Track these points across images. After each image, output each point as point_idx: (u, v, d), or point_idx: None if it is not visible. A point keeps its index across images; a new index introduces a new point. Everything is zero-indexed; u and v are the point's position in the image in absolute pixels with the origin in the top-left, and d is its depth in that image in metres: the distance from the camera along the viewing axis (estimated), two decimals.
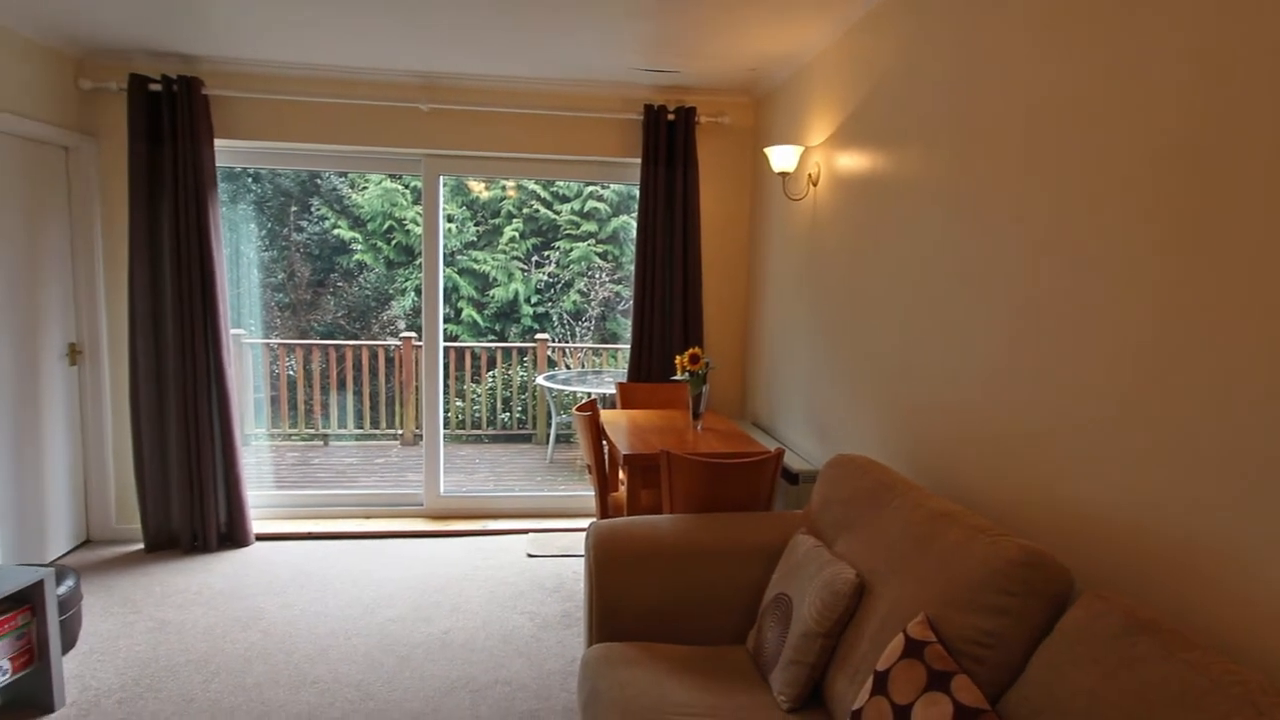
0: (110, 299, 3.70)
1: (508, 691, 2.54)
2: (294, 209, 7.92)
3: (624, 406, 3.84)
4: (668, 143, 3.88)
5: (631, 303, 4.04)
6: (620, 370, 6.67)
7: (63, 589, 2.56)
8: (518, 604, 3.19)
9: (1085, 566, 1.60)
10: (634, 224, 4.00)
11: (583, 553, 3.75)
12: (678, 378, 3.33)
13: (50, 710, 2.37)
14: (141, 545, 3.72)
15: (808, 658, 1.75)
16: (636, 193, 3.98)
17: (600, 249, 8.23)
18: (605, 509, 3.15)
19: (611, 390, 5.69)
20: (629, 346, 4.06)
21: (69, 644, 2.66)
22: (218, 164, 3.68)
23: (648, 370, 4.01)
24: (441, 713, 2.41)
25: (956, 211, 2.13)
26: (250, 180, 7.41)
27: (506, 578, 3.46)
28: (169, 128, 3.48)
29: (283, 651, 2.76)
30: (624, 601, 2.12)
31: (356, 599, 3.20)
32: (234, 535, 3.74)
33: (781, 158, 3.25)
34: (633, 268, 4.04)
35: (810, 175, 3.24)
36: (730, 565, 2.18)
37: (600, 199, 8.21)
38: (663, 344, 3.98)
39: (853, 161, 2.85)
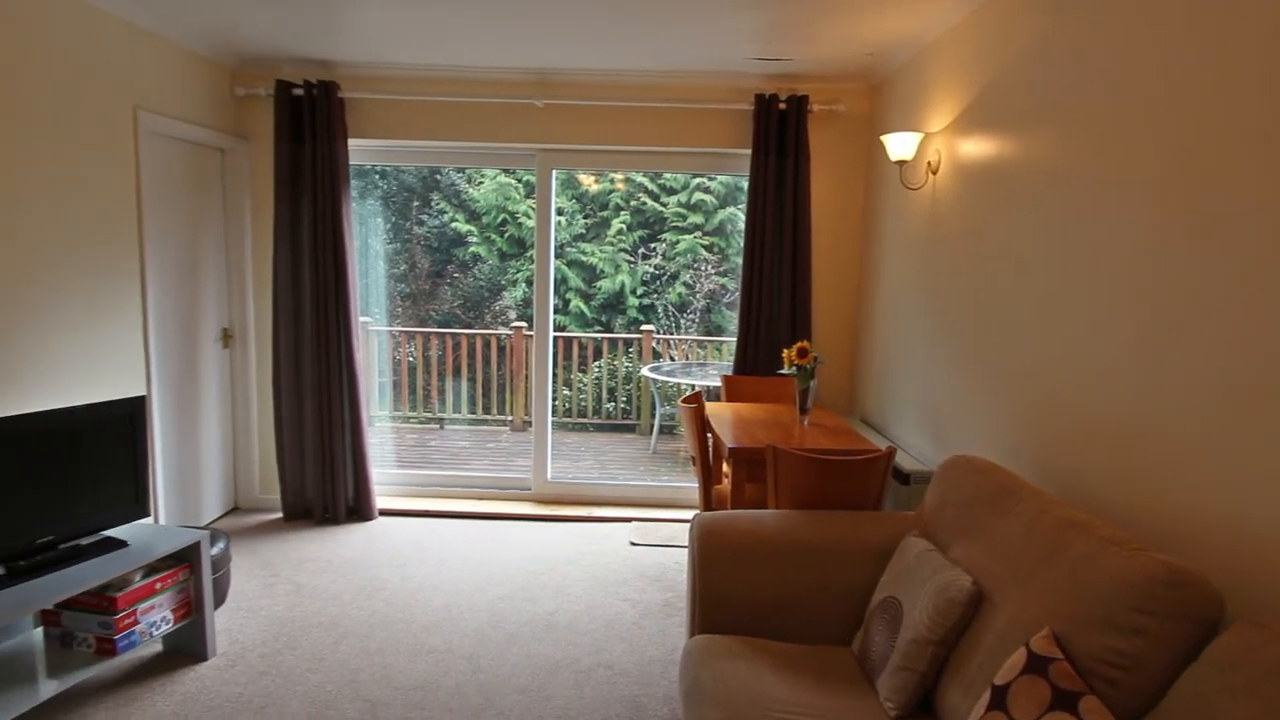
0: (257, 288, 4.04)
1: (610, 675, 2.60)
2: (416, 204, 8.35)
3: (729, 399, 3.82)
4: (778, 132, 3.82)
5: (738, 295, 4.00)
6: (724, 363, 6.64)
7: (215, 550, 2.82)
8: (620, 590, 3.25)
9: (1236, 589, 1.46)
10: (741, 216, 3.95)
11: (685, 543, 3.77)
12: (785, 371, 3.27)
13: (203, 659, 2.62)
14: (280, 514, 4.05)
15: (918, 665, 1.69)
16: (744, 184, 3.94)
17: (706, 241, 8.20)
18: (709, 501, 3.15)
19: (716, 383, 5.66)
20: (734, 339, 4.03)
21: (219, 600, 2.94)
22: (350, 162, 3.93)
23: (753, 363, 3.97)
24: (547, 691, 2.50)
25: (1092, 198, 1.98)
26: (377, 177, 7.87)
27: (609, 564, 3.52)
28: (309, 129, 3.75)
29: (402, 620, 2.94)
30: (727, 594, 2.12)
31: (468, 576, 3.36)
32: (360, 509, 4.01)
33: (899, 145, 3.12)
34: (739, 260, 4.00)
35: (929, 163, 3.09)
36: (836, 564, 2.13)
37: (707, 191, 8.17)
38: (769, 337, 3.93)
39: (977, 148, 2.70)
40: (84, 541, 2.42)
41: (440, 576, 3.34)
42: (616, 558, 3.60)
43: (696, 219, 8.21)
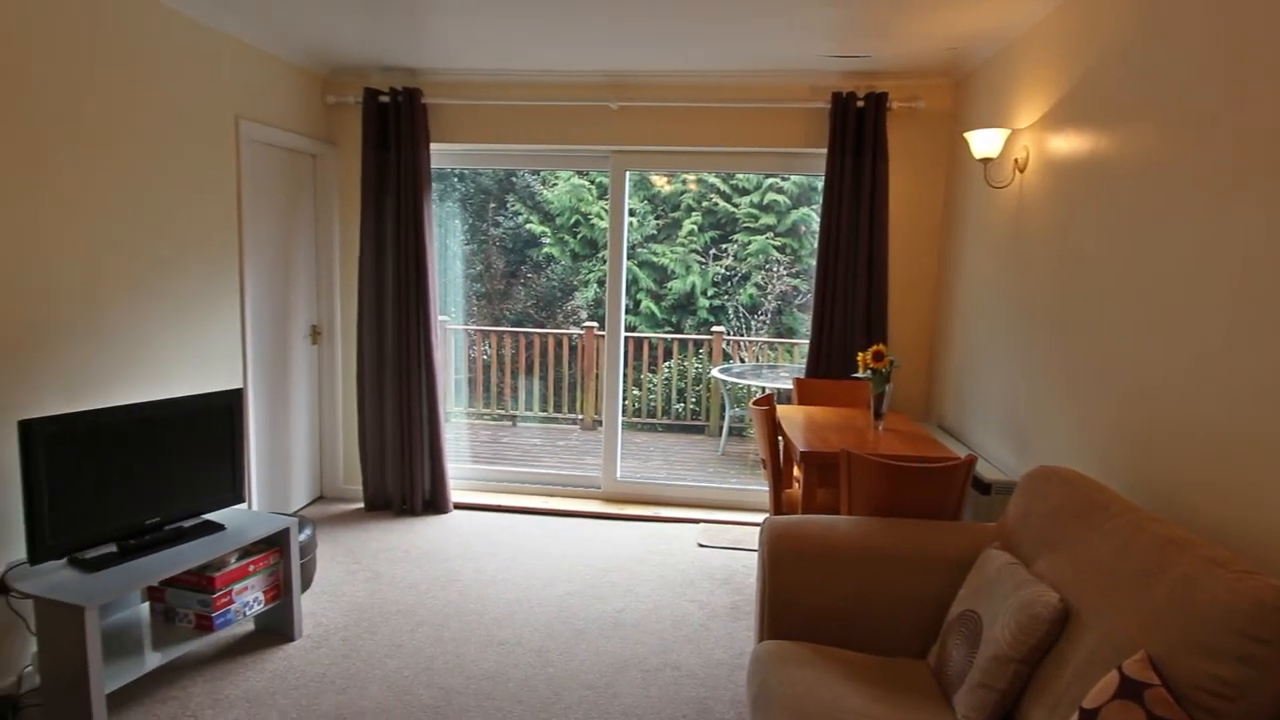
0: (343, 287, 4.22)
1: (676, 676, 2.60)
2: (492, 205, 8.56)
3: (801, 402, 3.77)
4: (856, 131, 3.74)
5: (811, 297, 3.94)
6: (795, 365, 6.55)
7: (303, 536, 2.97)
8: (687, 592, 3.25)
9: None
10: (815, 216, 3.89)
11: (754, 547, 3.74)
12: (859, 375, 3.20)
13: (291, 639, 2.76)
14: (361, 504, 4.22)
15: (998, 683, 1.63)
16: (819, 184, 3.87)
17: (778, 242, 8.09)
18: (779, 505, 3.12)
19: (787, 385, 5.59)
20: (807, 341, 3.97)
21: (306, 584, 3.08)
22: (431, 166, 4.06)
23: (826, 366, 3.90)
24: (614, 688, 2.52)
25: (1197, 195, 1.86)
26: (456, 180, 8.10)
27: (677, 565, 3.53)
28: (394, 134, 3.90)
29: (475, 612, 3.02)
30: (797, 600, 2.09)
31: (538, 571, 3.42)
32: (436, 502, 4.14)
33: (984, 142, 3.01)
34: (812, 261, 3.94)
35: (1017, 160, 2.97)
36: (912, 574, 2.08)
37: (780, 191, 8.07)
38: (843, 339, 3.85)
39: (1068, 144, 2.58)
40: (186, 524, 2.59)
41: (511, 570, 3.42)
42: (684, 558, 3.60)
43: (769, 220, 8.12)
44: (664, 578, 3.39)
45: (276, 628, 2.79)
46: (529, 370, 6.64)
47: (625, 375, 4.82)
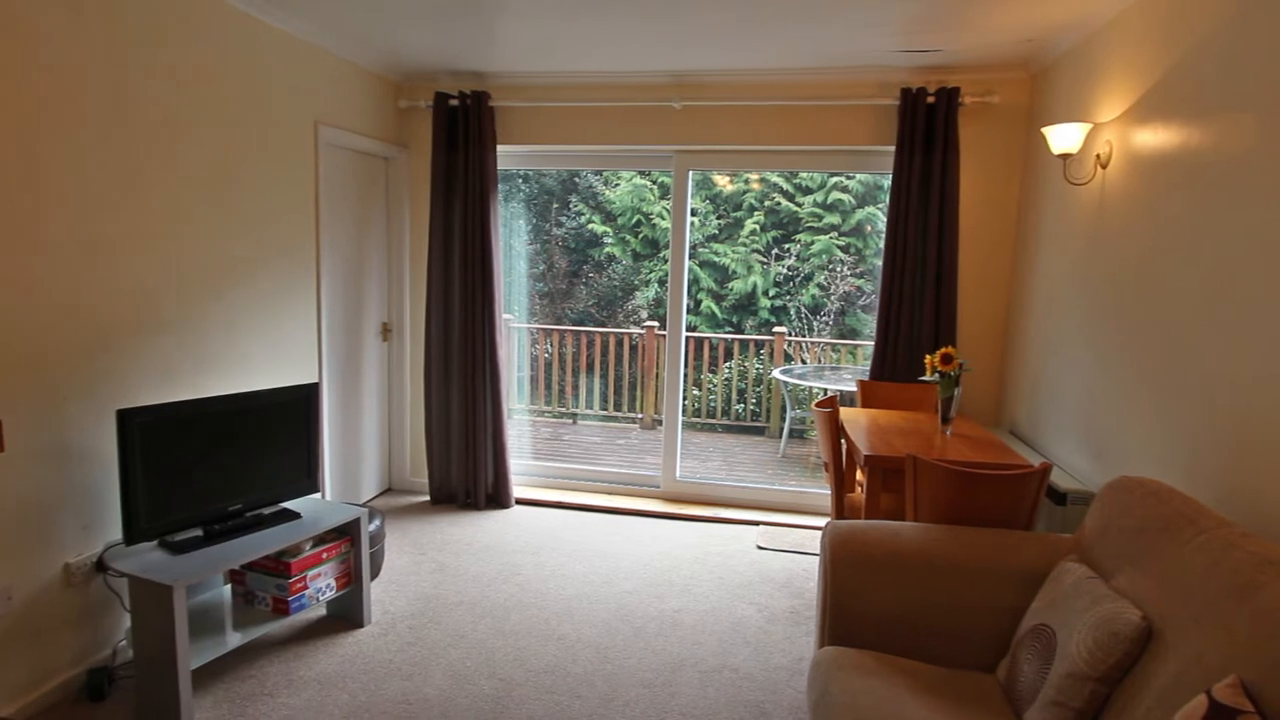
0: (412, 285, 4.35)
1: (734, 679, 2.59)
2: (555, 206, 8.67)
3: (865, 405, 3.69)
4: (925, 127, 3.64)
5: (875, 298, 3.85)
6: (859, 367, 6.42)
7: (372, 527, 3.07)
8: (746, 594, 3.23)
9: None
10: (881, 215, 3.80)
11: (815, 551, 3.68)
12: (926, 378, 3.12)
13: (360, 626, 2.86)
14: (427, 497, 4.34)
15: (1074, 701, 1.56)
16: (885, 182, 3.79)
17: (842, 241, 7.95)
18: (841, 509, 3.06)
19: (850, 387, 5.49)
20: (871, 343, 3.89)
21: (375, 573, 3.19)
22: (498, 167, 4.14)
23: (891, 369, 3.81)
24: (671, 688, 2.52)
25: None
26: (520, 180, 8.24)
27: (736, 567, 3.51)
28: (462, 137, 3.99)
29: (535, 606, 3.07)
30: (859, 607, 2.05)
31: (597, 568, 3.45)
32: (498, 497, 4.22)
33: (1063, 137, 2.89)
34: (878, 261, 3.85)
35: (1099, 156, 2.84)
36: (981, 585, 2.01)
37: (845, 190, 7.92)
38: (909, 341, 3.76)
39: (1157, 138, 2.45)
40: (265, 511, 2.71)
41: (571, 567, 3.46)
42: (743, 560, 3.58)
43: (833, 219, 7.98)
44: (722, 579, 3.37)
45: (347, 614, 2.90)
46: (590, 369, 6.70)
47: (685, 375, 4.82)
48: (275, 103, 3.22)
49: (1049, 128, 2.93)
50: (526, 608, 3.05)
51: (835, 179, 7.92)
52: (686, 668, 2.64)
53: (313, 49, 3.46)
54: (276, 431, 2.74)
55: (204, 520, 2.51)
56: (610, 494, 4.42)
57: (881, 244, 3.80)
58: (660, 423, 4.47)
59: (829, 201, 7.97)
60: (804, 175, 8.06)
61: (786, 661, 2.70)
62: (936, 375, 3.07)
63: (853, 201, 7.91)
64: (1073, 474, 2.91)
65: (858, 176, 7.76)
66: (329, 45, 3.54)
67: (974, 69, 3.66)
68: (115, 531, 2.53)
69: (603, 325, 8.07)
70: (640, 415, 6.70)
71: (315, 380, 3.55)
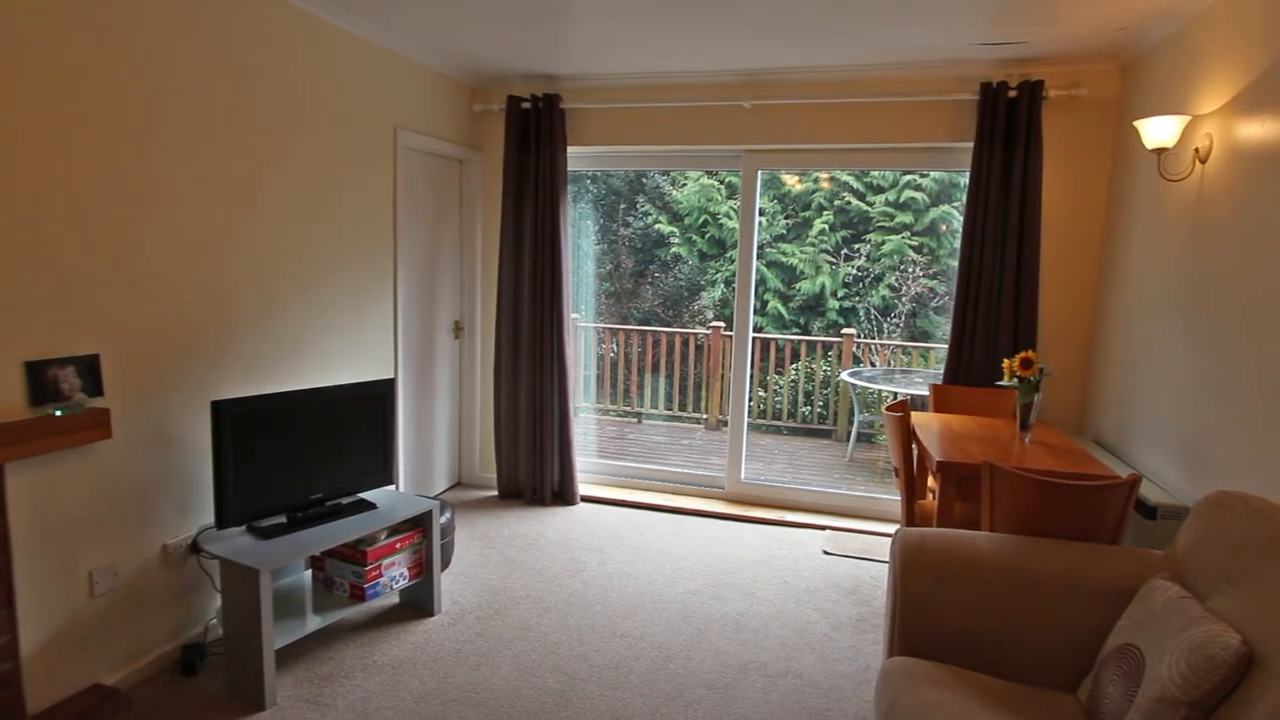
0: (484, 285, 4.46)
1: (798, 685, 2.55)
2: (622, 206, 8.73)
3: (937, 410, 3.59)
4: (1006, 122, 3.51)
5: (949, 299, 3.74)
6: (930, 371, 6.23)
7: (443, 519, 3.16)
8: (811, 599, 3.18)
9: None
10: (956, 214, 3.69)
11: (883, 558, 3.60)
12: (1004, 383, 3.01)
13: (430, 615, 2.95)
14: (495, 492, 4.44)
15: None
16: (962, 180, 3.67)
17: (915, 241, 7.73)
18: (911, 517, 2.98)
19: (921, 391, 5.34)
20: (944, 346, 3.77)
21: (445, 564, 3.28)
22: (568, 168, 4.20)
23: (966, 373, 3.68)
24: (734, 690, 2.51)
25: None
26: (589, 181, 8.33)
27: (801, 571, 3.46)
28: (534, 139, 4.07)
29: (599, 602, 3.10)
30: (930, 618, 2.00)
31: (661, 567, 3.46)
32: (564, 494, 4.28)
33: (1158, 130, 2.74)
34: (952, 261, 3.74)
35: (1197, 150, 2.68)
36: (1061, 600, 1.93)
37: (918, 188, 7.70)
38: (985, 345, 3.63)
39: (1263, 130, 2.29)
40: (344, 501, 2.83)
41: (635, 565, 3.48)
42: (809, 565, 3.53)
43: (905, 218, 7.77)
44: (787, 583, 3.33)
45: (418, 603, 3.00)
46: (655, 368, 6.72)
47: (751, 376, 4.78)
48: (358, 109, 3.35)
49: (1142, 121, 2.78)
50: (590, 604, 3.09)
51: (908, 177, 7.71)
52: (750, 671, 2.62)
53: (393, 56, 3.58)
54: (355, 424, 2.85)
55: (288, 508, 2.63)
56: (674, 494, 4.43)
57: (956, 244, 3.68)
58: (725, 424, 4.45)
59: (901, 200, 7.77)
60: (875, 173, 7.88)
61: (852, 670, 2.65)
62: (1015, 380, 2.96)
63: (926, 200, 7.68)
64: (1164, 487, 2.75)
65: (932, 174, 7.53)
66: (408, 52, 3.66)
67: (1060, 61, 3.50)
68: (207, 516, 2.69)
69: (668, 325, 8.08)
70: (705, 416, 6.68)
71: (391, 376, 3.68)
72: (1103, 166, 3.57)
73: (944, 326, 7.42)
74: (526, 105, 4.07)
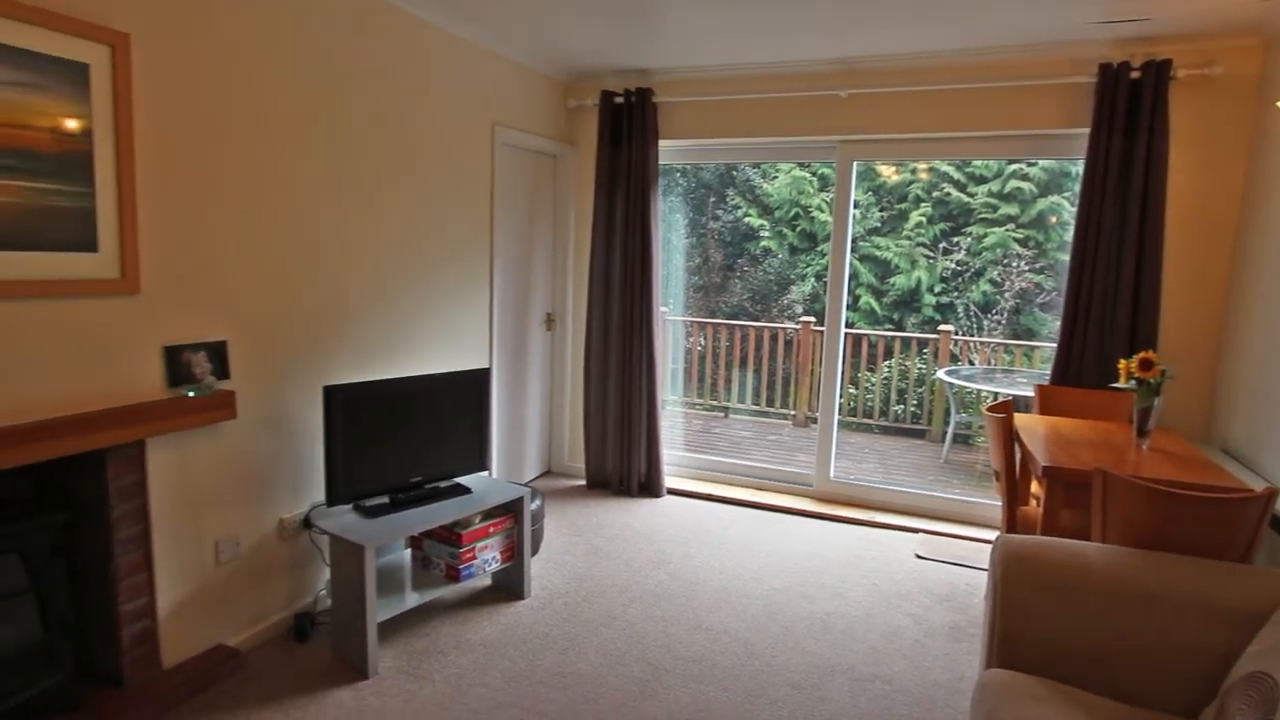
0: (575, 277, 4.54)
1: (887, 690, 2.49)
2: (712, 199, 8.68)
3: (1043, 412, 3.40)
4: (1128, 106, 3.28)
5: (1056, 295, 3.53)
6: (1035, 371, 5.91)
7: (534, 506, 3.25)
8: (902, 604, 3.09)
9: None
10: (1067, 205, 3.48)
11: (980, 565, 3.46)
12: (1120, 385, 2.83)
13: (521, 598, 3.05)
14: (583, 481, 4.53)
15: None
16: (1074, 169, 3.45)
17: (1020, 234, 7.33)
18: (1013, 523, 2.85)
19: (1024, 392, 5.07)
20: (1051, 345, 3.58)
21: (535, 550, 3.38)
22: (659, 162, 4.21)
23: (1076, 373, 3.47)
24: (820, 691, 2.47)
25: None
26: (678, 175, 8.32)
27: (892, 574, 3.36)
28: (626, 133, 4.11)
29: (684, 595, 3.12)
30: (1032, 630, 1.90)
31: (746, 563, 3.44)
32: (650, 486, 4.32)
33: None
34: (1061, 255, 3.54)
35: None
36: (1181, 620, 1.80)
37: (1025, 178, 7.30)
38: (1098, 344, 3.41)
39: None
40: (441, 485, 2.95)
41: (720, 560, 3.47)
42: (900, 568, 3.43)
43: (1010, 210, 7.39)
44: (876, 586, 3.25)
45: (509, 586, 3.10)
46: (743, 363, 6.67)
47: (842, 373, 4.67)
48: (459, 108, 3.48)
49: None
50: (675, 596, 3.11)
51: (1014, 167, 7.32)
52: (837, 674, 2.58)
53: (492, 56, 3.69)
54: (453, 411, 2.97)
55: (390, 489, 2.77)
56: (760, 490, 4.39)
57: (1067, 237, 3.48)
58: (813, 420, 4.37)
59: (1006, 191, 7.39)
60: (978, 163, 7.53)
61: (945, 679, 2.56)
62: (1133, 382, 2.77)
63: (1034, 190, 7.27)
64: None
65: (1041, 163, 7.12)
66: (507, 52, 3.76)
67: (1191, 37, 3.24)
68: (318, 494, 2.86)
69: (756, 319, 7.99)
70: (793, 412, 6.58)
71: (487, 365, 3.81)
72: (1238, 152, 3.28)
73: (1051, 324, 7.00)
74: (619, 100, 4.11)
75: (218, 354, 2.43)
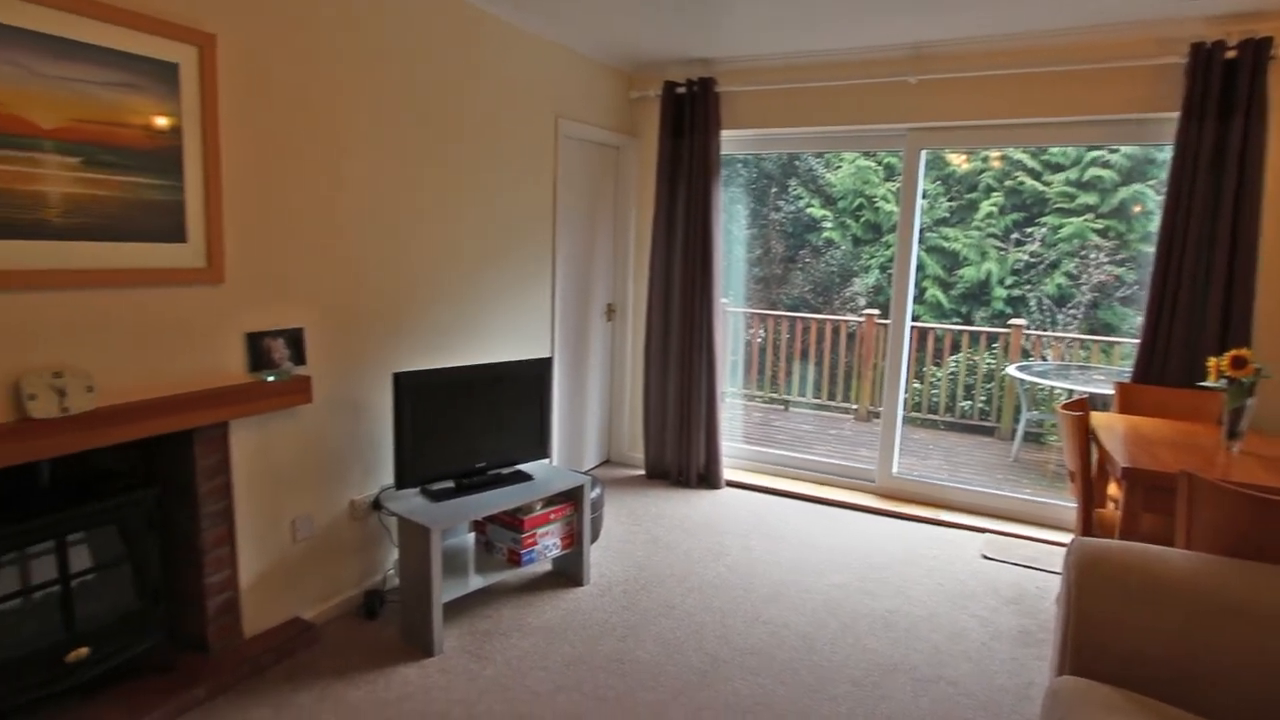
0: (636, 268, 4.56)
1: (951, 693, 2.43)
2: (774, 190, 8.57)
3: (1123, 410, 3.26)
4: (1221, 88, 3.09)
5: (1138, 289, 3.37)
6: (1113, 368, 5.65)
7: (594, 494, 3.29)
8: (968, 605, 3.01)
9: None
10: (1152, 194, 3.30)
11: (1053, 568, 3.34)
12: (1209, 384, 2.68)
13: (580, 584, 3.09)
14: (643, 471, 4.55)
15: None
16: (1160, 155, 3.28)
17: (1099, 224, 7.00)
18: (1088, 526, 2.74)
19: (1101, 389, 4.86)
20: (1131, 341, 3.42)
21: (594, 537, 3.42)
22: (721, 152, 4.19)
23: (1159, 371, 3.31)
24: (881, 690, 2.43)
25: None
26: (740, 165, 8.24)
27: (957, 574, 3.28)
28: (688, 124, 4.09)
29: (742, 588, 3.11)
30: (1108, 638, 1.83)
31: (806, 558, 3.41)
32: (709, 477, 4.32)
33: None
34: (1144, 247, 3.37)
35: None
36: (1273, 633, 1.70)
37: (1106, 165, 6.95)
38: (1185, 341, 3.24)
39: None
40: (504, 471, 3.01)
41: (779, 553, 3.45)
42: (966, 569, 3.34)
43: (1088, 199, 7.06)
44: (940, 585, 3.17)
45: (569, 572, 3.14)
46: (804, 356, 6.58)
47: (907, 367, 4.56)
48: (523, 100, 3.52)
49: None
50: (733, 588, 3.10)
51: (1094, 153, 6.99)
52: (899, 673, 2.53)
53: (557, 48, 3.72)
54: (516, 399, 3.03)
55: (455, 474, 2.84)
56: (820, 484, 4.33)
57: (1151, 226, 3.31)
58: (876, 415, 4.29)
59: (1085, 179, 7.06)
60: (1055, 150, 7.22)
61: (1012, 685, 2.49)
62: (1223, 381, 2.62)
63: (1115, 178, 6.92)
64: None
65: (1123, 149, 6.78)
66: (571, 44, 3.79)
67: None
68: (387, 476, 2.96)
69: (818, 312, 7.87)
70: (855, 406, 6.47)
71: (549, 355, 3.86)
72: None
73: (1132, 319, 6.67)
74: (681, 90, 4.09)
75: (295, 341, 2.54)
